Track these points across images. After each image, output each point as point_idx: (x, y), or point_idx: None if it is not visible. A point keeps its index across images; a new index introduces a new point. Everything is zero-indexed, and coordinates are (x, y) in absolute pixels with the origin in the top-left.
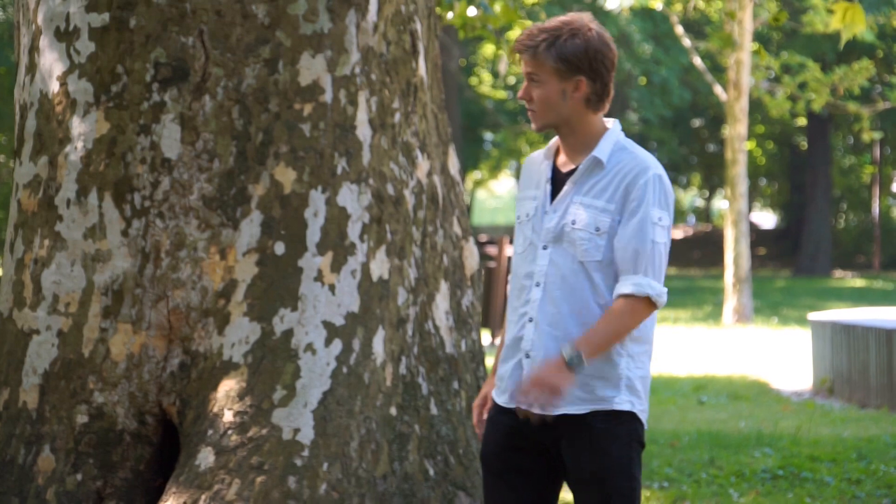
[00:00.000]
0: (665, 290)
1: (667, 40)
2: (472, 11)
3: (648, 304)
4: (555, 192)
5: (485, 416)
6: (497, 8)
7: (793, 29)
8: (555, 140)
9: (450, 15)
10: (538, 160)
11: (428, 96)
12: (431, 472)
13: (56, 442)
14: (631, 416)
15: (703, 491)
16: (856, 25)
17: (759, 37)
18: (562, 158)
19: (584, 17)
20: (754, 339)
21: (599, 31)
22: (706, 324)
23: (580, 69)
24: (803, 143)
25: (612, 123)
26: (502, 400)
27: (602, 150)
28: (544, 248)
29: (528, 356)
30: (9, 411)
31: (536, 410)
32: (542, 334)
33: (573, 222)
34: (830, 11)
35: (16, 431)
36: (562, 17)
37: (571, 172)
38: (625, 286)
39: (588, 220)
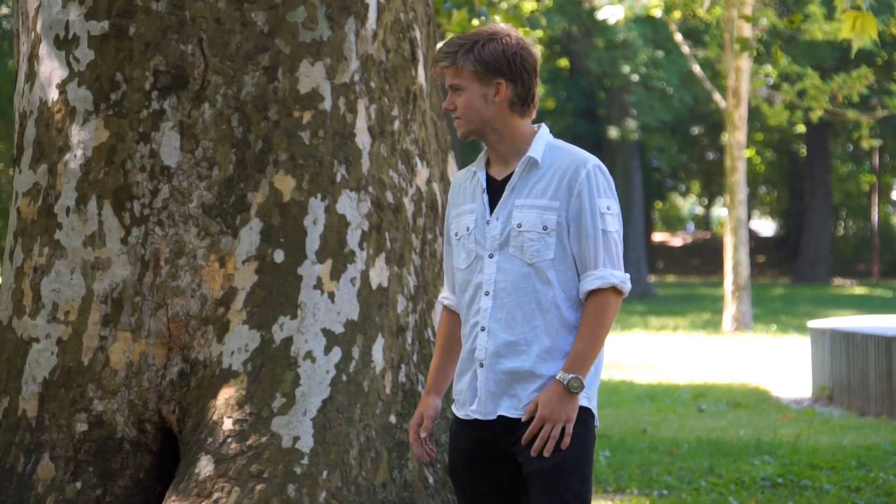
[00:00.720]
0: (627, 276)
1: (667, 44)
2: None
3: (615, 293)
4: (493, 201)
5: (422, 435)
6: (497, 18)
7: (791, 36)
8: (484, 152)
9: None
10: (467, 176)
11: (427, 104)
12: (431, 480)
13: (56, 450)
14: (584, 412)
15: (703, 499)
16: (867, 34)
17: (759, 43)
18: (494, 168)
19: (504, 26)
20: (754, 346)
21: (519, 37)
22: (705, 331)
23: (499, 71)
24: (802, 151)
25: (540, 127)
26: (462, 413)
27: (535, 150)
28: (490, 256)
29: (481, 365)
30: (8, 419)
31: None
32: (496, 341)
33: (519, 225)
34: (830, 19)
35: (15, 440)
36: (481, 28)
37: (507, 178)
38: (590, 282)
39: (534, 220)
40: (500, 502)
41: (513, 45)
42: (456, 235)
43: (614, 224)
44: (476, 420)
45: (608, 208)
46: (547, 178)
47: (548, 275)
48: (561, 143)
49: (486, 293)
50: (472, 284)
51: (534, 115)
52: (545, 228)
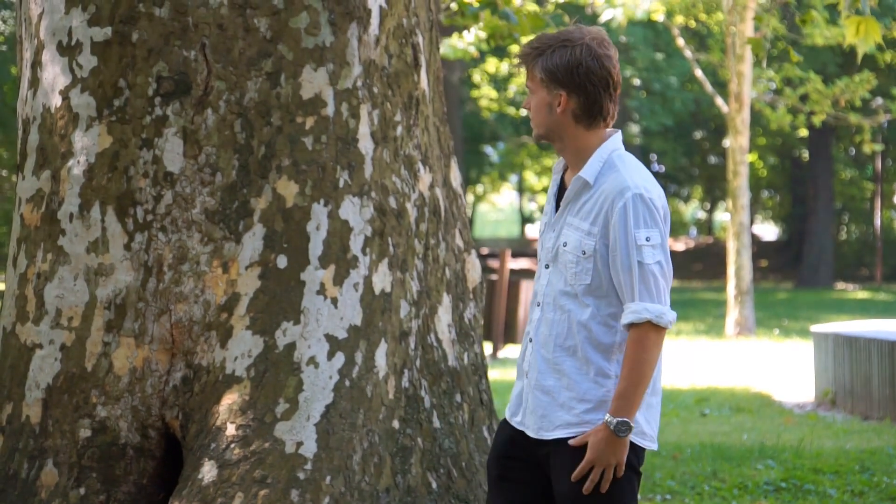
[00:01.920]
0: (665, 308)
1: (669, 48)
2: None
3: (653, 328)
4: (559, 208)
5: None
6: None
7: (794, 41)
8: None
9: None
10: (554, 172)
11: (430, 109)
12: (434, 485)
13: (59, 456)
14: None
15: (706, 503)
16: (871, 38)
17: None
18: (568, 173)
19: (586, 31)
20: (756, 351)
21: (594, 45)
22: (708, 336)
23: (561, 83)
24: (805, 155)
25: (609, 137)
26: (508, 414)
27: (589, 171)
28: (546, 266)
29: (527, 376)
30: (12, 425)
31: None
32: (537, 356)
33: (565, 244)
34: (832, 24)
35: (19, 446)
36: (567, 29)
37: None
38: (626, 316)
39: (576, 242)
40: (524, 501)
41: (581, 55)
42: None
43: (652, 256)
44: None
45: (647, 239)
46: (593, 200)
47: (584, 299)
48: (621, 160)
49: (538, 304)
50: (534, 290)
51: (604, 126)
52: (584, 253)
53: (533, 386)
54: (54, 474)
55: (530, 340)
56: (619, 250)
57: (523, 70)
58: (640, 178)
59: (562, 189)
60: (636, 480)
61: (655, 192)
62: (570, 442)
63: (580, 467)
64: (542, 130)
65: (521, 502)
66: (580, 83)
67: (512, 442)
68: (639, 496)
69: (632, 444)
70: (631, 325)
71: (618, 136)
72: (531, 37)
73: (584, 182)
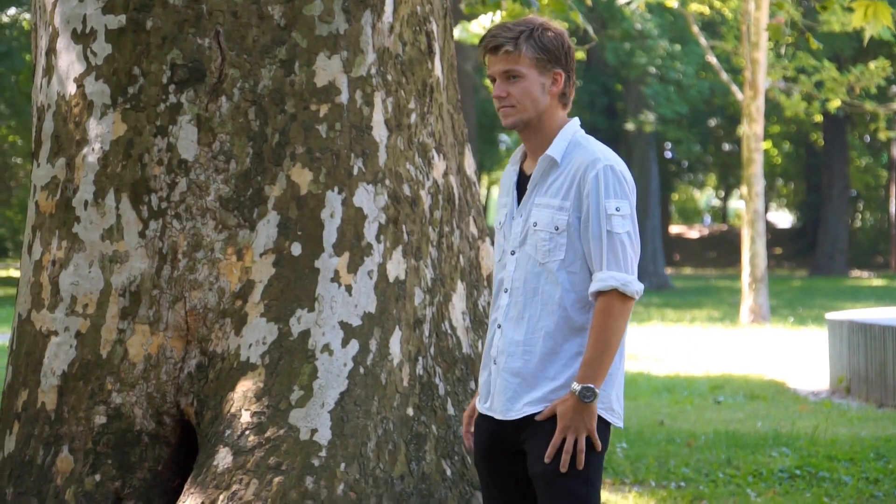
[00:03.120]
0: (631, 278)
1: (684, 35)
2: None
3: (619, 296)
4: (521, 196)
5: (471, 429)
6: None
7: (810, 27)
8: (522, 145)
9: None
10: (508, 167)
11: (444, 97)
12: (448, 472)
13: (74, 442)
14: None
15: (721, 491)
16: (880, 21)
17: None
18: (528, 162)
19: (538, 19)
20: (771, 338)
21: (560, 29)
22: (723, 324)
23: (558, 61)
24: (820, 143)
25: (571, 120)
26: (482, 407)
27: (556, 149)
28: (512, 253)
29: (495, 363)
30: (27, 412)
31: (497, 416)
32: (506, 340)
33: (535, 224)
34: (849, 10)
35: (34, 432)
36: (523, 18)
37: None
38: (593, 284)
39: (547, 219)
40: (512, 494)
41: (566, 37)
42: (496, 226)
43: (622, 225)
44: (491, 416)
45: (617, 209)
46: (563, 177)
47: (557, 276)
48: (585, 139)
49: (506, 290)
50: (498, 279)
51: (569, 109)
52: (556, 229)
53: (503, 370)
54: (70, 461)
55: (498, 326)
56: (591, 220)
57: (499, 56)
58: (608, 152)
59: (521, 179)
60: (602, 461)
61: (623, 166)
62: (537, 418)
63: (554, 439)
64: (528, 115)
65: (513, 493)
66: (569, 63)
67: (492, 437)
68: (653, 483)
69: (604, 422)
70: (598, 294)
71: (576, 119)
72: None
73: (551, 161)
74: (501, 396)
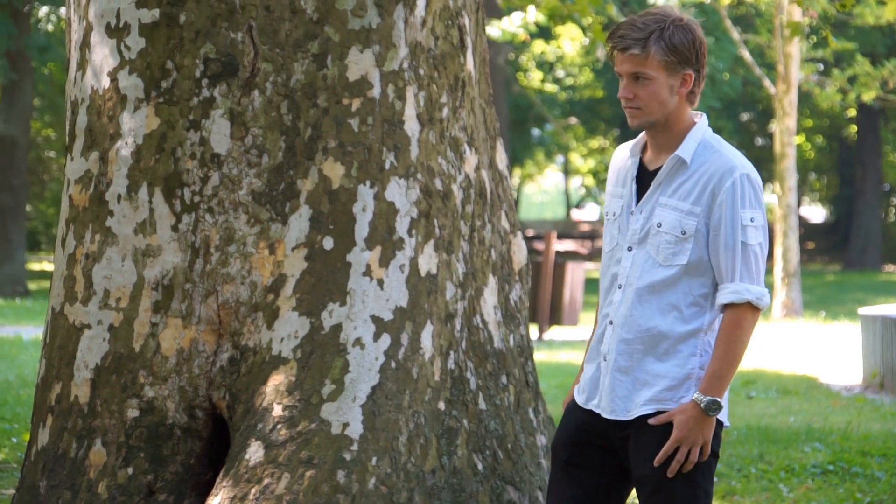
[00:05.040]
0: (764, 291)
1: (716, 31)
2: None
3: (751, 308)
4: (640, 191)
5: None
6: None
7: (843, 21)
8: (642, 135)
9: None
10: (624, 156)
11: (476, 91)
12: (480, 466)
13: (107, 436)
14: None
15: (753, 486)
16: None
17: (810, 29)
18: (649, 155)
19: (670, 9)
20: (804, 333)
21: (692, 23)
22: None
23: (688, 62)
24: (853, 137)
25: (699, 118)
26: (580, 399)
27: (686, 149)
28: (629, 249)
29: (605, 359)
30: (61, 405)
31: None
32: (618, 338)
33: (659, 225)
34: (881, 2)
35: (68, 425)
36: (652, 10)
37: (658, 170)
38: (724, 296)
39: (674, 222)
40: (586, 489)
41: (698, 32)
42: (605, 215)
43: (756, 237)
44: (592, 411)
45: (752, 220)
46: (693, 179)
47: (676, 279)
48: (716, 141)
49: (620, 286)
50: (610, 273)
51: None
52: (683, 233)
53: (612, 368)
54: (102, 454)
55: (610, 323)
56: (724, 229)
57: (626, 57)
58: (743, 159)
59: (642, 173)
60: (715, 465)
61: (757, 174)
62: (651, 421)
63: (666, 447)
64: (659, 116)
65: (589, 487)
66: (701, 61)
67: (583, 427)
68: None
69: (719, 424)
70: (728, 305)
71: (705, 117)
72: (590, 17)
73: (680, 161)
74: (611, 395)
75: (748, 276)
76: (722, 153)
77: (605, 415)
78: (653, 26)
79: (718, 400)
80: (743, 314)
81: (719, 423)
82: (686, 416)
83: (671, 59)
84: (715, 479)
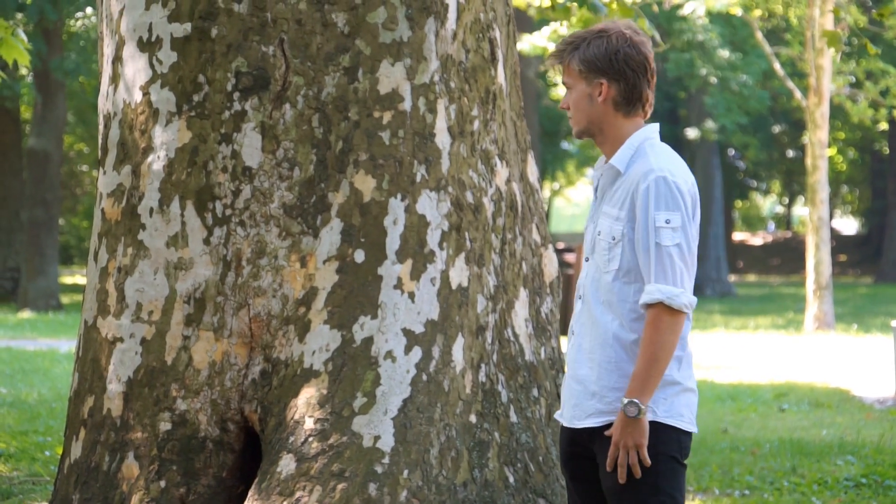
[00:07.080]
0: (680, 291)
1: (746, 45)
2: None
3: (666, 309)
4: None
5: None
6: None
7: (876, 34)
8: None
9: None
10: (594, 172)
11: (507, 104)
12: (511, 479)
13: (140, 449)
14: (655, 427)
15: (785, 499)
16: None
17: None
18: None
19: (620, 23)
20: (836, 346)
21: (629, 34)
22: (787, 331)
23: (601, 71)
24: (885, 150)
25: (644, 128)
26: (557, 414)
27: (619, 158)
28: (586, 260)
29: (565, 369)
30: (93, 418)
31: (565, 423)
32: (575, 347)
33: (599, 233)
34: None
35: (100, 438)
36: (598, 24)
37: None
38: (642, 297)
39: (607, 229)
40: (597, 500)
41: (617, 43)
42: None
43: (670, 238)
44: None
45: (667, 221)
46: (624, 187)
47: (613, 285)
48: (652, 147)
49: (579, 297)
50: (577, 283)
51: (646, 114)
52: (613, 239)
53: (569, 376)
54: (135, 467)
55: (573, 333)
56: (640, 231)
57: (558, 68)
58: (666, 163)
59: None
60: (680, 470)
61: (682, 176)
62: (606, 433)
63: (609, 452)
64: (583, 124)
65: (595, 499)
66: (619, 69)
67: (571, 442)
68: (717, 491)
69: (673, 429)
70: (647, 307)
71: (653, 127)
72: None
73: (615, 170)
74: (568, 403)
75: (662, 277)
76: (647, 159)
77: (565, 423)
78: (577, 40)
79: (637, 402)
80: (658, 315)
81: (677, 430)
82: (618, 419)
83: (583, 68)
84: (747, 493)
